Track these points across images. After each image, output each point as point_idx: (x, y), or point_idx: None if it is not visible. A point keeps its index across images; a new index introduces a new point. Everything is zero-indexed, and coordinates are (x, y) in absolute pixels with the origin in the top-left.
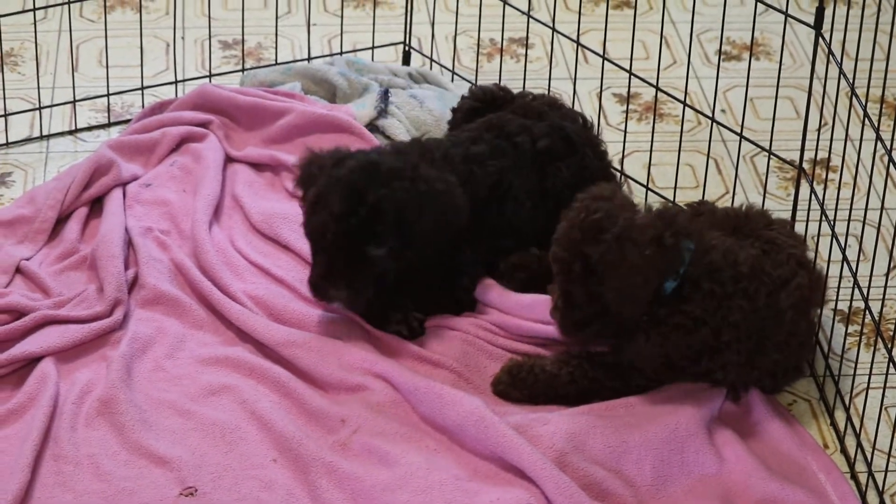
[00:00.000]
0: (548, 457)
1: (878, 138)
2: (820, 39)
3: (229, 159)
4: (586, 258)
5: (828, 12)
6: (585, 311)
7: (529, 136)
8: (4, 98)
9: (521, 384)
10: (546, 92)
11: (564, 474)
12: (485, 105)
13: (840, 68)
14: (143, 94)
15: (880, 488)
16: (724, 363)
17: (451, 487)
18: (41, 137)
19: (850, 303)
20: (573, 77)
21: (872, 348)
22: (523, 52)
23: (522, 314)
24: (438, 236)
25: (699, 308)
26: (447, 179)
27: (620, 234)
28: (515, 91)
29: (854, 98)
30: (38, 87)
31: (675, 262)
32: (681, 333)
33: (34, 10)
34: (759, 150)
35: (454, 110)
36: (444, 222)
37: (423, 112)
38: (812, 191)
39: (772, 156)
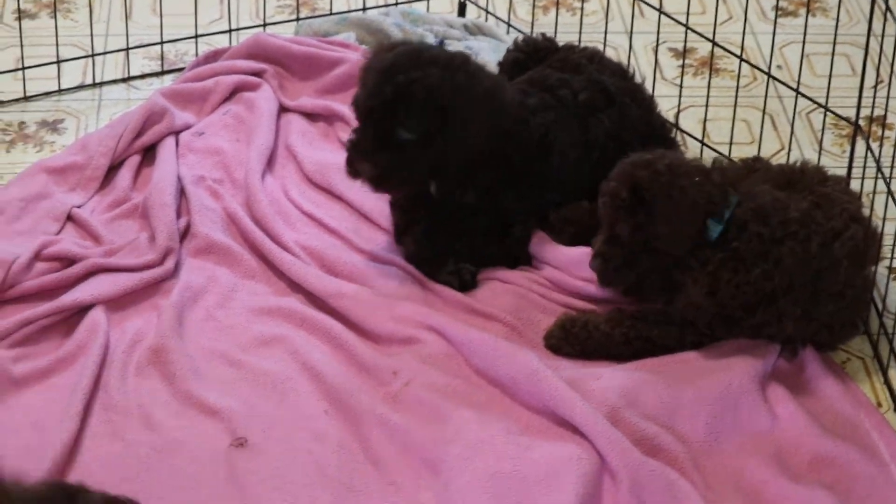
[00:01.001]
0: (600, 412)
1: None
2: None
3: (283, 109)
4: (637, 185)
5: None
6: (627, 249)
7: (570, 90)
8: (57, 45)
9: (574, 339)
10: (602, 46)
11: (617, 430)
12: (527, 56)
13: None
14: (196, 42)
15: None
16: (780, 314)
17: (503, 441)
18: (94, 85)
19: None
20: (629, 31)
21: None
22: (579, 5)
23: (575, 271)
24: (479, 133)
25: (745, 248)
26: (494, 76)
27: (672, 164)
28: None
29: None
30: (92, 35)
31: (721, 199)
32: (729, 271)
33: None
34: (814, 106)
35: (500, 64)
36: (486, 117)
37: None
38: (868, 148)
39: (828, 112)
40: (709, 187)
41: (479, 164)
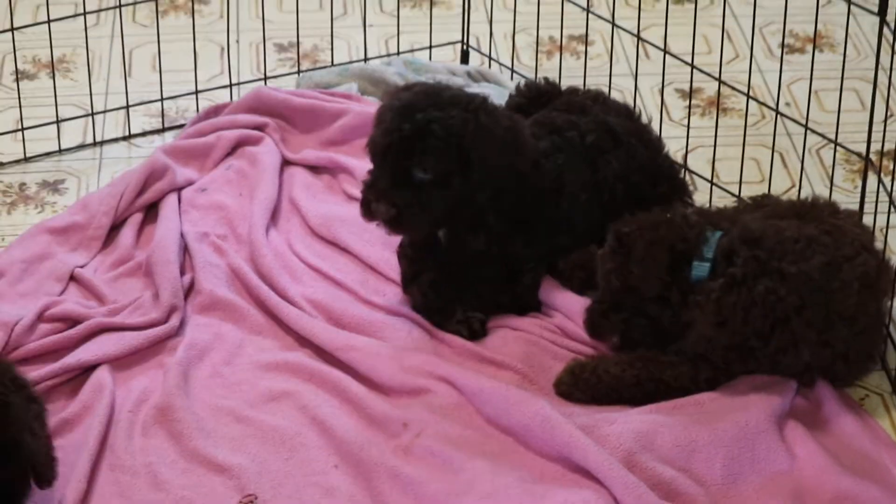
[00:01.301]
0: (616, 457)
1: None
2: (885, 28)
3: (286, 162)
4: (620, 231)
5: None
6: (613, 294)
7: (577, 132)
8: (57, 104)
9: (584, 385)
10: (608, 89)
11: (632, 474)
12: (530, 101)
13: None
14: (197, 98)
15: None
16: (794, 338)
17: (518, 490)
18: (94, 144)
19: None
20: (634, 73)
21: None
22: (583, 48)
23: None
24: (498, 174)
25: (742, 270)
26: (511, 115)
27: (660, 217)
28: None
29: None
30: (91, 93)
31: (696, 236)
32: (733, 294)
33: (84, 14)
34: (824, 142)
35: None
36: (505, 157)
37: None
38: (880, 182)
39: (838, 147)
40: (679, 225)
41: (491, 209)
